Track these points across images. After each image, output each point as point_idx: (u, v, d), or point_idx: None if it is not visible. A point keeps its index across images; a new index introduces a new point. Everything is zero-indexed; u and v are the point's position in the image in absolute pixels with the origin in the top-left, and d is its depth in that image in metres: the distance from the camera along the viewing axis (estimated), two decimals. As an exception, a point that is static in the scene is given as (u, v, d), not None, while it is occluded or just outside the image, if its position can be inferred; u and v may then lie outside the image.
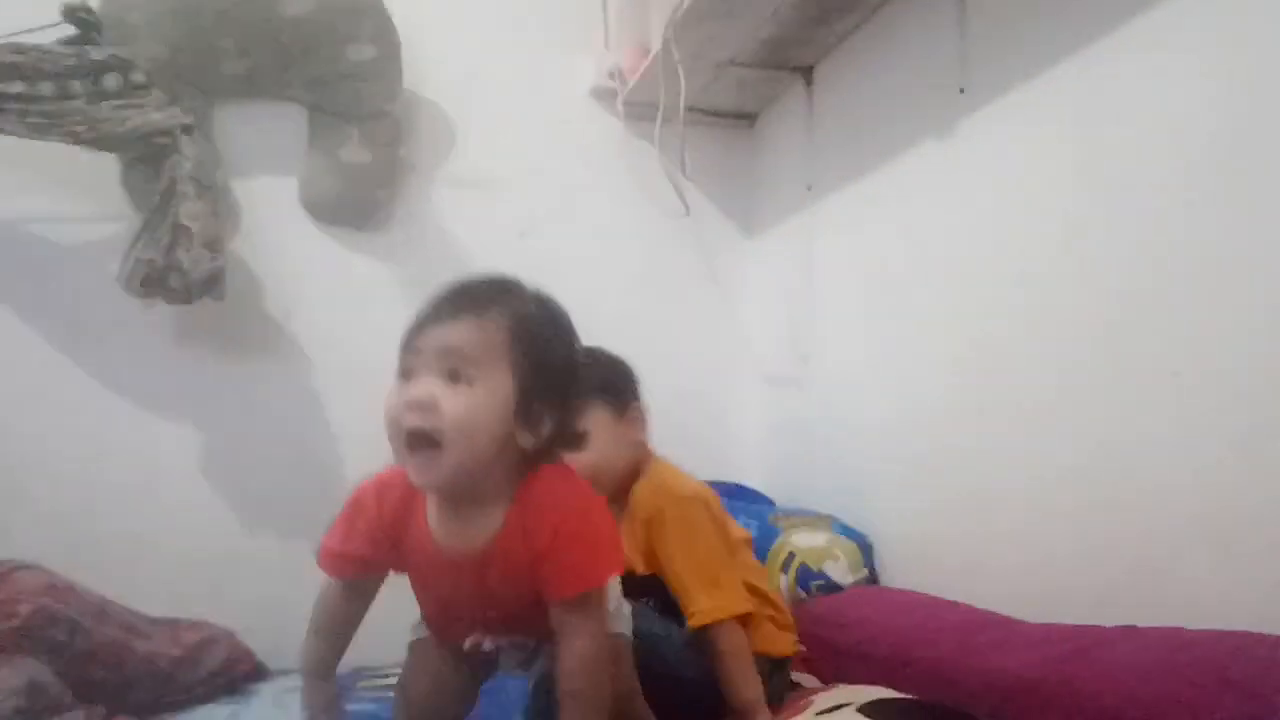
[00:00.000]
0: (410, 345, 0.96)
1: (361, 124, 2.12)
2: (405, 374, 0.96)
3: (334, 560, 1.06)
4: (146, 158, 1.88)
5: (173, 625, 1.78)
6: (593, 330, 2.33)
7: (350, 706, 1.31)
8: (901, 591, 1.64)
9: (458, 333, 0.94)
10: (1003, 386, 1.53)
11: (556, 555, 0.97)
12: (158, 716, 1.62)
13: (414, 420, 0.92)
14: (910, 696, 1.16)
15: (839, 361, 2.09)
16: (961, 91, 1.63)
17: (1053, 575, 1.39)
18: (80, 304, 2.02)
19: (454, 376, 0.93)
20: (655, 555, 1.31)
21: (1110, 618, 1.20)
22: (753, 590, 1.36)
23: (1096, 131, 1.34)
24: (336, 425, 2.15)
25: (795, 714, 1.20)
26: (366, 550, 1.04)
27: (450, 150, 2.30)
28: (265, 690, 1.81)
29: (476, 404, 0.92)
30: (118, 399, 2.04)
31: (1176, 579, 1.18)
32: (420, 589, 1.09)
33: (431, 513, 1.02)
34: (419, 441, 0.93)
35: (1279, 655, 0.93)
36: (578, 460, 1.14)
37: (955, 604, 1.51)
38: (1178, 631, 1.08)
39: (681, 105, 2.02)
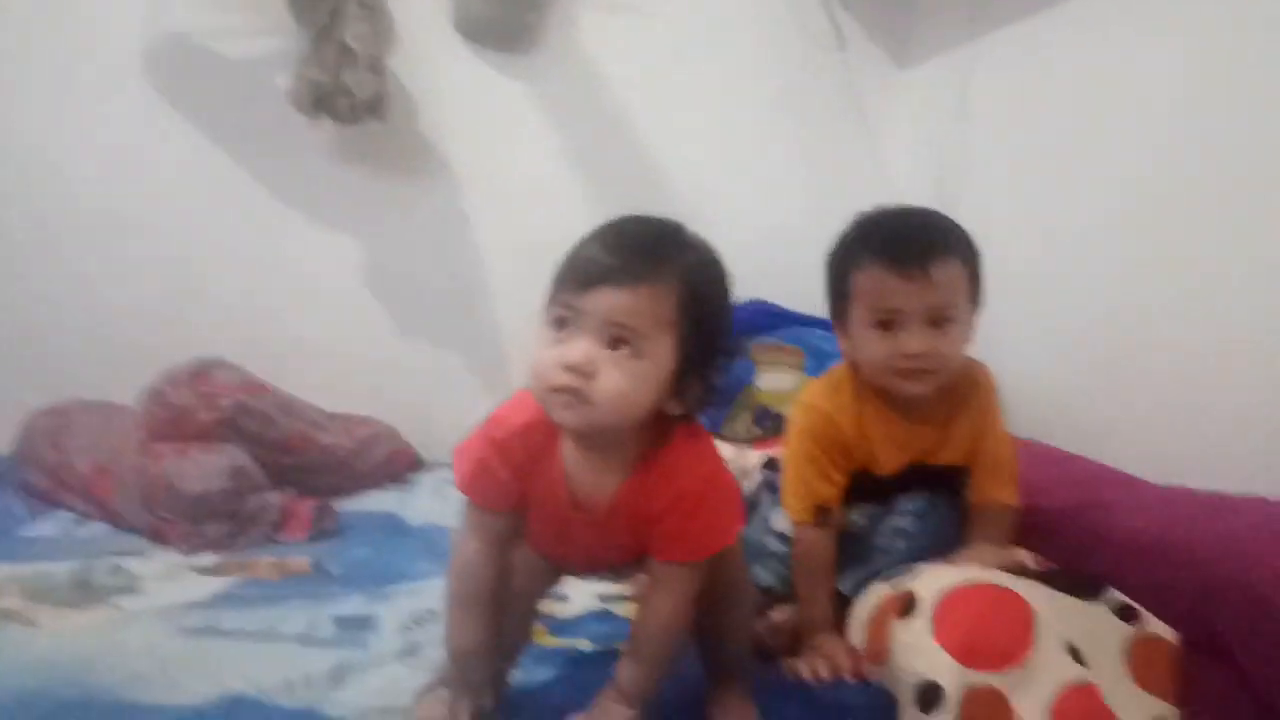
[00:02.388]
0: (570, 298, 0.89)
1: (512, -62, 2.09)
2: (559, 324, 0.90)
3: (477, 483, 1.00)
4: (312, -26, 1.93)
5: (346, 420, 1.99)
6: (729, 157, 2.21)
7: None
8: (1025, 441, 1.68)
9: (629, 301, 0.88)
10: (1169, 244, 1.52)
11: (673, 521, 0.97)
12: (336, 499, 1.84)
13: (565, 380, 0.88)
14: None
15: (985, 208, 2.04)
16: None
17: (1195, 439, 1.43)
18: (248, 116, 2.12)
19: (616, 344, 0.88)
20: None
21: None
22: None
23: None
24: (485, 242, 2.26)
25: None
26: (509, 477, 0.99)
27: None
28: (424, 480, 2.02)
29: (637, 377, 0.89)
30: (285, 210, 2.17)
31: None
32: (538, 523, 1.05)
33: (568, 455, 0.99)
34: (568, 393, 0.89)
35: None
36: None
37: (1075, 457, 1.55)
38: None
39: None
